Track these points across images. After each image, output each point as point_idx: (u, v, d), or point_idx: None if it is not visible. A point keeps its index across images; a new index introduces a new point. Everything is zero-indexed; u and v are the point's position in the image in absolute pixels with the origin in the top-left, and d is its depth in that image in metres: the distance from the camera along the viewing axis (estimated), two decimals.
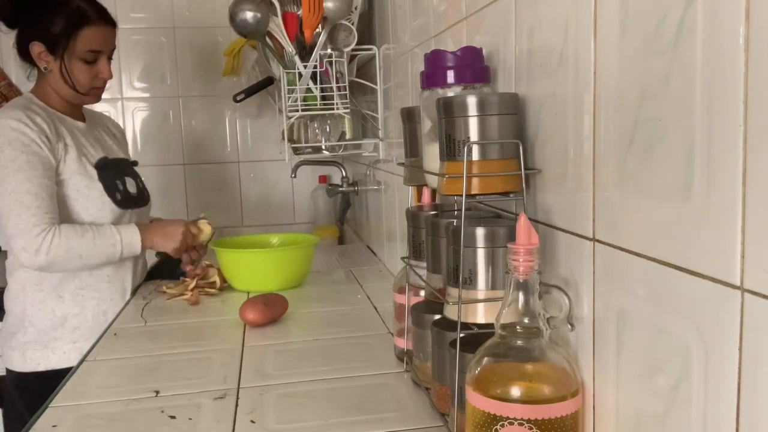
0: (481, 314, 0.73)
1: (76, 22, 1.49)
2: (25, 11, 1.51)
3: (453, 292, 0.75)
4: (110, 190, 1.54)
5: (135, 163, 1.72)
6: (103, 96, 1.64)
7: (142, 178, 1.71)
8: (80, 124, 1.60)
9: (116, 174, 1.59)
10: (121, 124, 2.56)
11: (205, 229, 1.65)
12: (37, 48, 1.51)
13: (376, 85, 1.70)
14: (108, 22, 1.55)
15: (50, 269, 1.47)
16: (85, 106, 1.66)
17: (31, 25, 1.52)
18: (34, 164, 1.42)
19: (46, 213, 1.42)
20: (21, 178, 1.40)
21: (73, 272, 1.51)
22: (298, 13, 1.65)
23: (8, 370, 1.55)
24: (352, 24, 1.68)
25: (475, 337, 0.72)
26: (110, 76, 1.58)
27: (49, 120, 1.49)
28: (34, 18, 1.51)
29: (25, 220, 1.40)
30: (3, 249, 1.58)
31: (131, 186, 1.63)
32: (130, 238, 1.51)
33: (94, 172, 1.53)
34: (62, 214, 1.49)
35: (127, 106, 2.61)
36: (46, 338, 1.52)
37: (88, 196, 1.51)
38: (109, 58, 1.58)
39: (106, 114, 2.32)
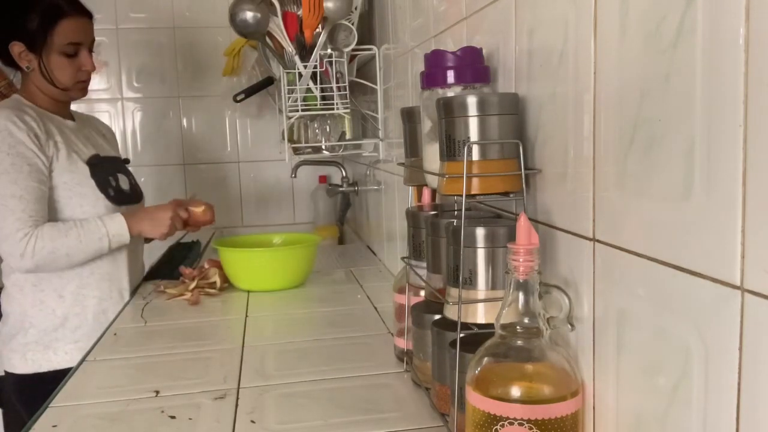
0: (481, 314, 0.73)
1: (52, 16, 1.48)
2: None
3: (453, 292, 0.75)
4: (103, 186, 1.54)
5: (127, 161, 1.72)
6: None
7: (138, 178, 1.70)
8: (69, 122, 1.59)
9: (108, 171, 1.59)
10: (121, 124, 2.58)
11: (198, 209, 1.62)
12: (17, 48, 1.50)
13: (376, 85, 1.70)
14: (84, 13, 1.54)
15: (39, 271, 1.47)
16: (72, 107, 1.66)
17: (7, 25, 1.50)
18: (19, 166, 1.40)
19: (30, 216, 1.40)
20: (6, 181, 1.39)
21: (72, 271, 1.50)
22: (298, 13, 1.65)
23: (8, 373, 1.54)
24: (352, 24, 1.68)
25: (475, 337, 0.72)
26: (93, 68, 1.56)
27: (39, 119, 1.48)
28: (9, 18, 1.50)
29: (9, 224, 1.39)
30: None
31: (124, 183, 1.62)
32: (117, 228, 1.49)
33: (85, 169, 1.52)
34: (56, 212, 1.48)
35: (126, 106, 2.60)
36: (48, 339, 1.51)
37: (81, 193, 1.50)
38: (90, 50, 1.56)
39: (105, 114, 2.33)
